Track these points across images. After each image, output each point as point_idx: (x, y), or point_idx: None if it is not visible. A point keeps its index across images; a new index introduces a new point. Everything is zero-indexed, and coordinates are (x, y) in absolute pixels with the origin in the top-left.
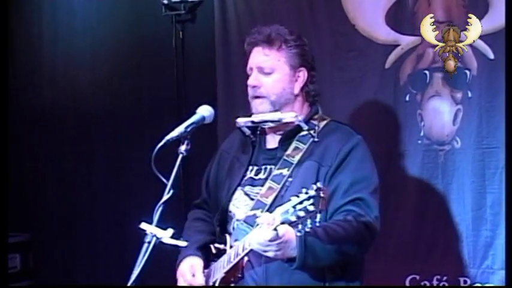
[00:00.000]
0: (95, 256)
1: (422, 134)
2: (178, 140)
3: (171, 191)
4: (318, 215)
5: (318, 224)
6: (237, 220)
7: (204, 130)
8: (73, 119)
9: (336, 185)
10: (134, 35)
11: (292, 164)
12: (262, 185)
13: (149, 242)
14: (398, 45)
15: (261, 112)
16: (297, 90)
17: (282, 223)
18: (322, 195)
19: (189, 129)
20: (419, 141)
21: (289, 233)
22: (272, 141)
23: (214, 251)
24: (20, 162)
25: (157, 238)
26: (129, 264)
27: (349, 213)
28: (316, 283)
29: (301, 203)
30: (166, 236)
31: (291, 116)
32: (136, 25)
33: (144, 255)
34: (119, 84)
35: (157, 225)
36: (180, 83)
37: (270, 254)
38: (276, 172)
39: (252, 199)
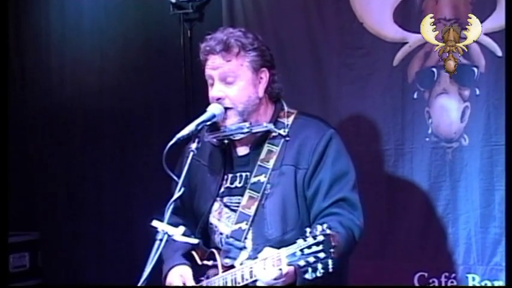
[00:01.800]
0: (103, 254)
1: (430, 131)
2: (188, 138)
3: (182, 189)
4: (330, 261)
5: (330, 270)
6: (221, 234)
7: None
8: (81, 119)
9: (316, 186)
10: (142, 34)
11: (267, 169)
12: (240, 194)
13: (161, 240)
14: (406, 43)
15: (229, 124)
16: (261, 93)
17: (289, 265)
18: (333, 243)
19: (199, 127)
20: (427, 139)
21: (291, 270)
22: (243, 148)
23: (199, 262)
24: (29, 162)
25: (169, 235)
26: (137, 262)
27: (334, 218)
28: None
29: (309, 247)
30: (177, 233)
31: (260, 126)
32: (144, 24)
33: (156, 253)
34: (126, 83)
35: (168, 223)
36: (188, 82)
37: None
38: (253, 180)
39: (233, 210)
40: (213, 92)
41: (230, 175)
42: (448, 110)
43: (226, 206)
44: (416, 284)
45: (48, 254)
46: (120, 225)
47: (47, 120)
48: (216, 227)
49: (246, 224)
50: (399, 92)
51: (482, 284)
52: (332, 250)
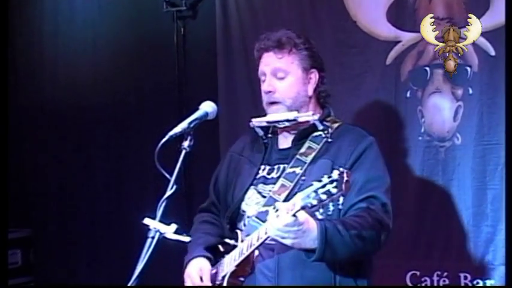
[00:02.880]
0: (95, 252)
1: (423, 130)
2: (181, 136)
3: (174, 187)
4: (341, 198)
5: (340, 207)
6: (248, 217)
7: (205, 126)
8: (74, 115)
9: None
10: (135, 32)
11: (305, 163)
12: (274, 183)
13: (153, 237)
14: (399, 41)
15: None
16: (310, 92)
17: (303, 208)
18: (346, 178)
19: (192, 125)
20: (420, 138)
21: (310, 223)
22: (285, 141)
23: (222, 249)
24: (21, 158)
25: (161, 233)
26: (129, 260)
27: (364, 209)
28: (327, 280)
29: (323, 186)
30: (169, 231)
31: (307, 114)
32: (137, 21)
33: (147, 251)
34: (119, 80)
35: (160, 221)
36: (181, 79)
37: (288, 242)
38: (288, 170)
39: (264, 196)
40: (264, 86)
41: (268, 167)
42: (441, 109)
43: (258, 192)
44: (409, 283)
45: (40, 251)
46: (113, 222)
47: (39, 117)
48: (245, 212)
49: (274, 208)
50: (392, 90)
51: (474, 282)
52: (344, 185)
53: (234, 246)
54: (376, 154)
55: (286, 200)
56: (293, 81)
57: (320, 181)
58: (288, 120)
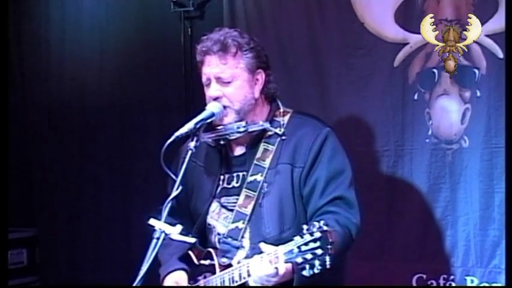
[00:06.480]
0: (100, 251)
1: (430, 132)
2: (187, 137)
3: (180, 187)
4: (327, 257)
5: (328, 267)
6: (219, 234)
7: None
8: (80, 116)
9: (312, 184)
10: (142, 32)
11: (264, 168)
12: (237, 194)
13: (158, 238)
14: (407, 43)
15: (226, 123)
16: (257, 94)
17: (286, 262)
18: (330, 239)
19: (198, 126)
20: (427, 140)
21: (288, 269)
22: (239, 147)
23: (196, 262)
24: (28, 158)
25: (166, 234)
26: (134, 260)
27: (330, 216)
28: None
29: (306, 244)
30: (174, 232)
31: (256, 125)
32: (144, 22)
33: (152, 251)
34: (126, 81)
35: (166, 222)
36: (188, 80)
37: (267, 285)
38: (249, 179)
39: (230, 210)
40: (211, 92)
41: (227, 175)
42: (449, 112)
43: (223, 206)
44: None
45: (46, 251)
46: (118, 222)
47: (46, 117)
48: (214, 227)
49: (243, 223)
50: (400, 92)
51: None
52: (329, 246)
53: (211, 265)
54: (333, 147)
55: (253, 212)
56: (240, 84)
57: (302, 237)
58: (238, 132)
